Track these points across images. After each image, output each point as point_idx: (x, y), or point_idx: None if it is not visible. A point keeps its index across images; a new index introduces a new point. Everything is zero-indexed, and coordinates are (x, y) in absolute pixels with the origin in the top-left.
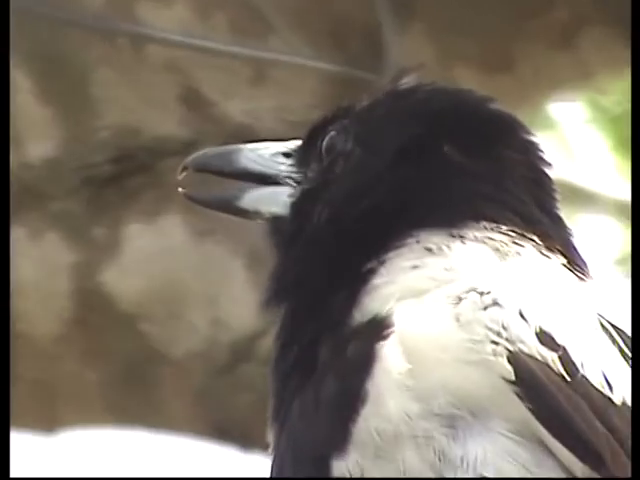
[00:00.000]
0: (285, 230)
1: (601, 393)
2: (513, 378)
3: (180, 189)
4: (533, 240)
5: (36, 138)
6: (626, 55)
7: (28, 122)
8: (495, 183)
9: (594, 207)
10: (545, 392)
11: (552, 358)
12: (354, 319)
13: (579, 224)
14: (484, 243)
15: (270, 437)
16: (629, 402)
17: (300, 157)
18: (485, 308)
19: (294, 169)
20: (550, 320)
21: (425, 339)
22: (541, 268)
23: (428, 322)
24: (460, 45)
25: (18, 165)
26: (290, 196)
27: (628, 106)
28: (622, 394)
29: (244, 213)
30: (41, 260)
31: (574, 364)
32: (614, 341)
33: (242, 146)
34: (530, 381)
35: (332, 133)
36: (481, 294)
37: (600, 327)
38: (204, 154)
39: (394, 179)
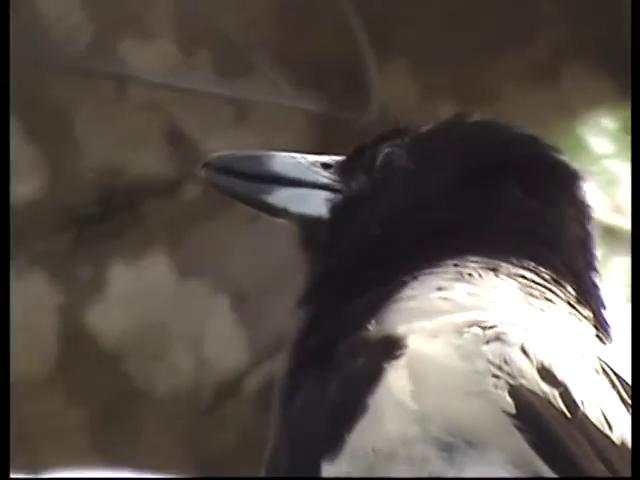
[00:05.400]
0: (320, 232)
1: (601, 432)
2: (514, 411)
3: (202, 172)
4: (566, 289)
5: (20, 178)
6: (608, 89)
7: (12, 163)
8: (550, 229)
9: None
10: (546, 427)
11: (553, 394)
12: (373, 327)
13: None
14: (516, 280)
15: (273, 415)
16: (628, 443)
17: (343, 169)
18: (487, 342)
19: (335, 178)
20: (552, 358)
21: (431, 364)
22: (560, 315)
23: (435, 348)
24: (441, 81)
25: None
26: (329, 200)
27: None
28: (621, 435)
29: (270, 209)
30: (26, 300)
31: (575, 402)
32: (613, 385)
33: (274, 152)
34: (531, 415)
35: (390, 149)
36: (484, 328)
37: (601, 370)
38: (229, 154)
39: (450, 201)
